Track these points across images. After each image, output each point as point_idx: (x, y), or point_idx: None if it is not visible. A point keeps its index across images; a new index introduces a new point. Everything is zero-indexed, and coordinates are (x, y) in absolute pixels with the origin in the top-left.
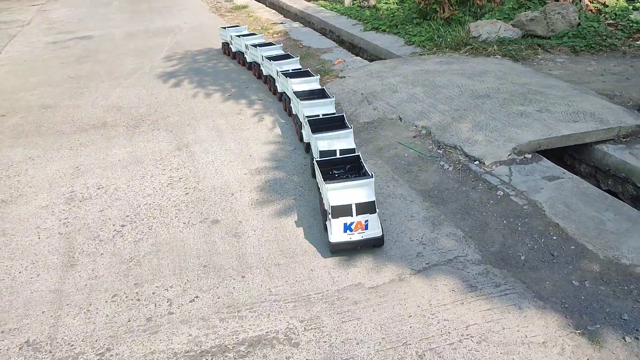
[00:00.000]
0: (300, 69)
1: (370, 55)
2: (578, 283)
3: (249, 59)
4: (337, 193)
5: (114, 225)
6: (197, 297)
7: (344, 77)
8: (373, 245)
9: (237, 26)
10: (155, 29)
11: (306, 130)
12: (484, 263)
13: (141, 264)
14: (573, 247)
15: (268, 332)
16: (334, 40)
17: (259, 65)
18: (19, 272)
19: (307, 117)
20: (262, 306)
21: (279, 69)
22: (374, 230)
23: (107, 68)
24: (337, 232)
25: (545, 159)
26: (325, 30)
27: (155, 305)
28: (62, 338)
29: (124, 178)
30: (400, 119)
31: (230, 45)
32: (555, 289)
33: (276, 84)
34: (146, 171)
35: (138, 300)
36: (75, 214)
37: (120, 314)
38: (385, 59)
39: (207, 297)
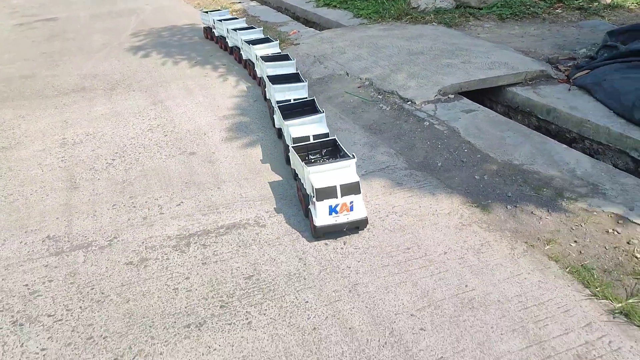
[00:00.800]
0: (280, 53)
1: (322, 27)
2: (479, 177)
3: (230, 44)
4: (320, 176)
5: (105, 159)
6: (182, 202)
7: (299, 44)
8: (357, 227)
9: (219, 10)
10: (119, 10)
11: (277, 116)
12: (409, 169)
13: (133, 184)
14: (479, 156)
15: (241, 220)
16: (289, 16)
17: (239, 49)
18: (31, 194)
19: (278, 102)
20: (235, 205)
21: (268, 74)
22: (359, 212)
23: (77, 45)
24: (322, 215)
25: (465, 98)
26: (281, 8)
27: (149, 209)
28: (76, 232)
29: (108, 127)
30: (347, 74)
31: (213, 30)
32: (461, 182)
33: (255, 68)
34: (127, 121)
35: (134, 207)
36: (70, 153)
37: (120, 216)
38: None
39: (191, 202)
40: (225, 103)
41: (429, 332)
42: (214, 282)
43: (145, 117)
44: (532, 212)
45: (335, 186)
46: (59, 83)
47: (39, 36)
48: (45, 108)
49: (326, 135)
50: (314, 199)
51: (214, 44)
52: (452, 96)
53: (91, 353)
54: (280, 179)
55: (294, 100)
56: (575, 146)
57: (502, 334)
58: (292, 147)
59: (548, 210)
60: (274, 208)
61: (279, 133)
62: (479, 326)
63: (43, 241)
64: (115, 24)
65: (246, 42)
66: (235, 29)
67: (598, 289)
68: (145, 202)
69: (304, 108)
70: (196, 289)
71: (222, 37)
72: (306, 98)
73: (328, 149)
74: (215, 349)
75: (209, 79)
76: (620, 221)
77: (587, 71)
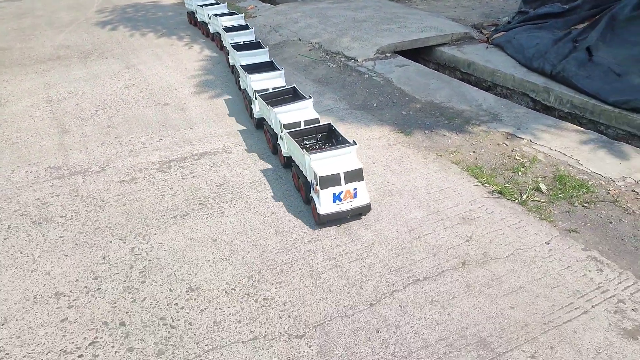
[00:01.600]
0: (255, 40)
1: (277, 3)
2: (405, 113)
3: (211, 30)
4: (322, 163)
5: (89, 111)
6: (161, 139)
7: (256, 17)
8: (360, 214)
9: None
10: None
11: (259, 105)
12: (350, 109)
13: (117, 128)
14: (407, 98)
15: (211, 149)
16: None
17: (219, 35)
18: (27, 137)
19: (257, 91)
20: (206, 139)
21: (230, 41)
22: (362, 198)
23: (46, 21)
24: (326, 203)
25: (400, 56)
26: None
27: (133, 145)
28: (73, 163)
29: (87, 87)
30: (300, 39)
31: (196, 15)
32: (391, 117)
33: (227, 56)
34: (104, 82)
35: (120, 144)
36: (56, 107)
37: (109, 150)
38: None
39: (168, 139)
40: (192, 65)
41: None
42: (193, 189)
43: (121, 78)
44: (443, 135)
45: (339, 173)
46: (35, 54)
47: (7, 14)
48: (26, 74)
49: (317, 120)
50: (318, 187)
51: (181, 18)
52: (389, 54)
53: (100, 237)
54: (243, 120)
55: (272, 88)
56: (490, 92)
57: (410, 209)
58: (289, 132)
59: (456, 133)
60: (239, 140)
61: (257, 123)
62: (394, 205)
63: (45, 170)
64: (79, 2)
65: (214, 15)
66: (216, 15)
67: (484, 179)
68: (129, 140)
69: (285, 96)
70: (179, 194)
71: (204, 22)
72: (284, 86)
73: (323, 134)
74: (197, 229)
75: (175, 47)
76: (509, 137)
77: (502, 33)
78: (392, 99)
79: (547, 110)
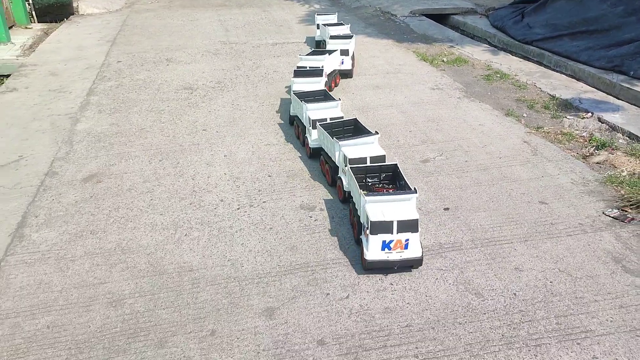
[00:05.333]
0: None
1: None
2: (406, 37)
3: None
4: (376, 207)
5: (241, 24)
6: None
7: None
8: (410, 267)
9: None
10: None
11: (319, 135)
12: (378, 34)
13: (255, 32)
14: (412, 32)
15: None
16: None
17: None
18: (210, 32)
19: (314, 120)
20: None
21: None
22: (414, 251)
23: None
24: (374, 249)
25: (424, 16)
26: None
27: (264, 36)
28: (231, 41)
29: (240, 17)
30: (369, 5)
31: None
32: (397, 38)
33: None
34: (249, 15)
35: (259, 37)
36: (223, 23)
37: (251, 39)
38: None
39: (278, 36)
40: (302, 11)
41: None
42: None
43: (259, 15)
44: (417, 44)
45: (392, 221)
46: (212, 2)
47: None
48: (206, 11)
49: (383, 158)
50: (368, 231)
51: None
52: (417, 15)
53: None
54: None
55: (330, 119)
56: (468, 37)
57: (379, 61)
58: (350, 168)
59: (425, 44)
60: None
61: (311, 153)
62: (375, 61)
63: (219, 42)
64: None
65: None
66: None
67: (423, 57)
68: (262, 37)
69: (345, 127)
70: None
71: None
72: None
73: (388, 174)
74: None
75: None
76: (450, 47)
77: (497, 10)
78: (403, 32)
79: (493, 46)
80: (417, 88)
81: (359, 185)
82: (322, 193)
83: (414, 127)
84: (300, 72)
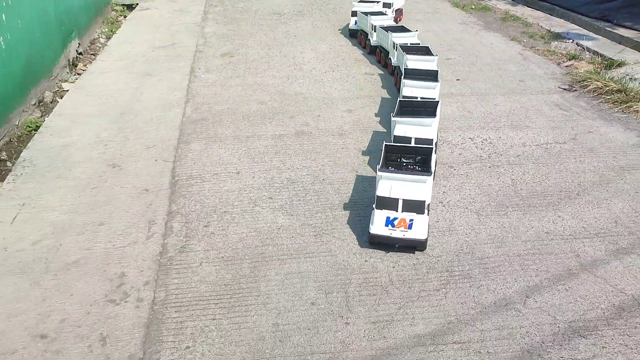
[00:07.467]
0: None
1: None
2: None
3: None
4: (387, 183)
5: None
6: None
7: None
8: (414, 247)
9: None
10: None
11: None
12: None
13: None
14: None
15: None
16: None
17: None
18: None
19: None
20: None
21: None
22: (418, 232)
23: None
24: (378, 223)
25: None
26: None
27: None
28: (273, 12)
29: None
30: None
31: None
32: None
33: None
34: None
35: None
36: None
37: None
38: None
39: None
40: None
41: None
42: None
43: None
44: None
45: (398, 199)
46: None
47: None
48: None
49: (430, 141)
50: (374, 205)
51: None
52: None
53: None
54: None
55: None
56: None
57: (422, 6)
58: (385, 145)
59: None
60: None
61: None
62: (418, 5)
63: (268, 14)
64: None
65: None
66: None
67: (460, 7)
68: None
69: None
70: None
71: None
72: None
73: (422, 157)
74: None
75: None
76: (481, 1)
77: None
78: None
79: (514, 0)
80: (448, 23)
81: (391, 164)
82: (377, 70)
83: (443, 42)
84: None
